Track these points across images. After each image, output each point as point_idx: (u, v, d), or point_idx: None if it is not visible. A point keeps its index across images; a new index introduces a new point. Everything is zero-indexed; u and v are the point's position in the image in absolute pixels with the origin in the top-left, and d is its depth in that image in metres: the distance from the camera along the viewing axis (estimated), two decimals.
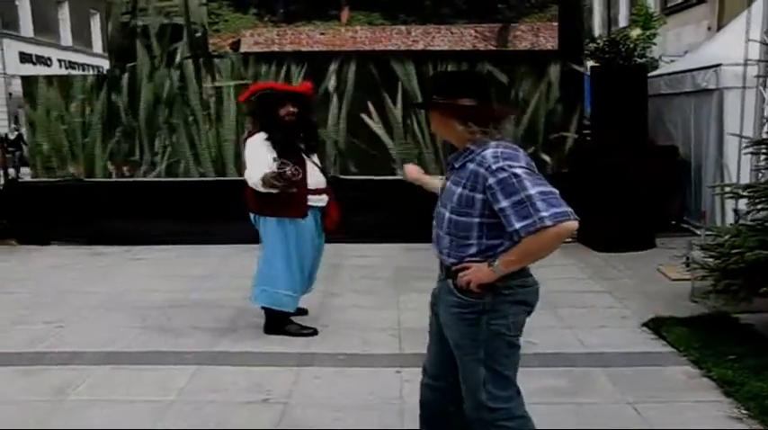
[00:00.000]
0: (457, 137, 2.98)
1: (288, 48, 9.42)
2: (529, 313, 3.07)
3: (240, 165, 9.29)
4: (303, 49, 9.40)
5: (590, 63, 10.40)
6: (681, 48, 17.23)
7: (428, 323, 3.29)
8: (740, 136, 6.01)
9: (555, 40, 9.46)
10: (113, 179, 9.42)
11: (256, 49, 9.41)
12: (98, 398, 4.50)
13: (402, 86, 9.55)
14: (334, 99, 9.52)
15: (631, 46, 10.59)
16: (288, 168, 5.21)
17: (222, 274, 7.60)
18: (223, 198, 8.89)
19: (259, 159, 5.29)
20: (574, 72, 9.56)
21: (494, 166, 2.79)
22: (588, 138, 9.62)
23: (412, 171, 3.70)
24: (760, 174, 7.23)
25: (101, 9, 27.92)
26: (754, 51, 8.06)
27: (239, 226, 8.47)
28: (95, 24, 30.81)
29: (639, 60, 10.21)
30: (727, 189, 5.44)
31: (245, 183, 5.40)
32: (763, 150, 5.29)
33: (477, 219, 2.87)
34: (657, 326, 5.70)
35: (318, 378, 4.82)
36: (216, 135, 9.48)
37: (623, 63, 9.65)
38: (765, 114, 7.45)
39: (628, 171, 8.63)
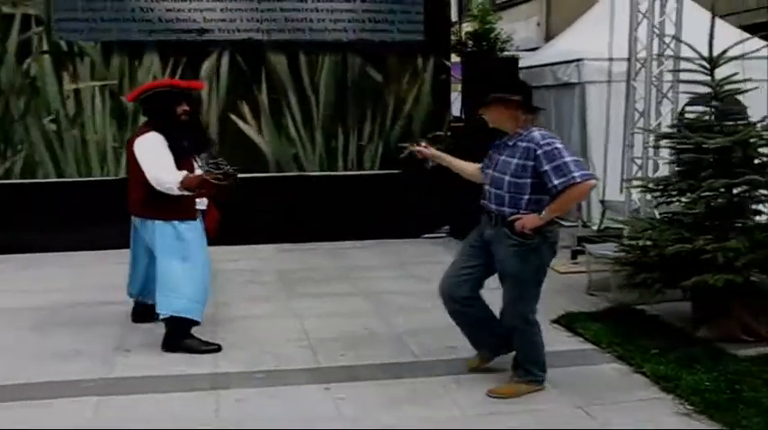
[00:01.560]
0: (513, 124, 4.12)
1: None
2: (555, 251, 4.29)
3: (107, 166, 8.51)
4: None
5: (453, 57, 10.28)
6: (513, 43, 17.71)
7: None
8: (649, 130, 6.05)
9: (420, 33, 9.26)
10: None
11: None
12: None
13: (274, 80, 8.97)
14: (205, 94, 8.78)
15: (493, 39, 10.66)
16: (227, 166, 4.88)
17: (89, 286, 6.79)
18: (65, 201, 8.14)
19: (164, 160, 4.91)
20: (441, 65, 9.42)
21: (541, 142, 3.99)
22: (449, 134, 9.50)
23: (422, 152, 4.66)
24: (636, 167, 7.44)
25: None
26: (618, 46, 8.31)
27: (96, 231, 7.89)
28: None
29: (504, 54, 10.26)
30: (638, 183, 5.46)
31: (121, 184, 5.07)
32: (671, 143, 5.34)
33: (528, 180, 4.02)
34: (569, 322, 5.66)
35: (242, 401, 4.34)
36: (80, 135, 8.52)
37: (486, 56, 9.64)
38: (639, 108, 7.68)
39: None
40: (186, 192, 4.92)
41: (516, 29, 19.26)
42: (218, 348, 5.17)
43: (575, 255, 7.55)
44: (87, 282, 6.95)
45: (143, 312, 5.64)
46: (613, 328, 5.40)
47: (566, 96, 9.81)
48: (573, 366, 4.90)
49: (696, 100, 8.01)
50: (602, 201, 8.46)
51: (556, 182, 3.92)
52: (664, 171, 7.62)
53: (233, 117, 8.85)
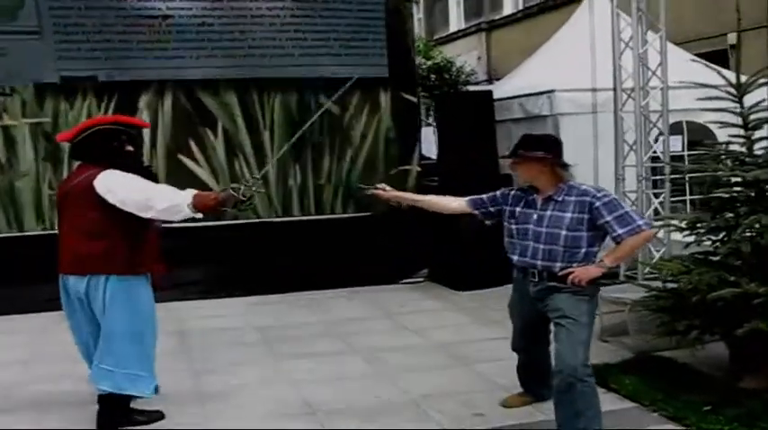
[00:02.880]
0: (548, 180, 4.10)
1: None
2: None
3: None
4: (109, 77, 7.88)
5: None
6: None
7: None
8: (676, 165, 5.55)
9: (384, 67, 8.79)
10: None
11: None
12: None
13: (223, 121, 8.35)
14: (147, 137, 8.09)
15: (456, 73, 10.27)
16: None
17: (47, 356, 5.98)
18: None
19: (154, 184, 4.41)
20: (407, 101, 8.96)
21: (598, 195, 4.02)
22: (419, 169, 9.04)
23: (381, 195, 4.66)
24: (629, 201, 7.06)
25: None
26: (602, 77, 7.99)
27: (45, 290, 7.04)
28: None
29: (469, 87, 9.88)
30: (675, 222, 5.03)
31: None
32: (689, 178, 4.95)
33: (585, 233, 4.01)
34: (597, 375, 5.14)
35: None
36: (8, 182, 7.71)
37: (450, 90, 9.22)
38: (629, 140, 7.34)
39: None
40: (198, 215, 4.26)
41: (457, 62, 19.13)
42: (161, 416, 4.64)
43: None
44: (46, 351, 6.13)
45: None
46: (649, 382, 4.93)
47: (537, 129, 9.40)
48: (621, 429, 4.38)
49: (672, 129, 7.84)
50: None
51: (620, 231, 3.91)
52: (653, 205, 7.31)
53: (182, 158, 8.19)
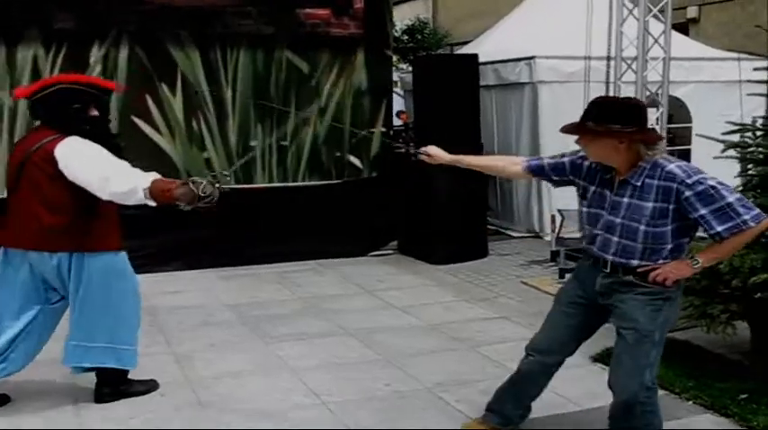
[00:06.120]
0: (625, 160, 3.23)
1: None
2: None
3: None
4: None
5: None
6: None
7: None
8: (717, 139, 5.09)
9: (360, 24, 8.24)
10: None
11: None
12: None
13: (183, 77, 7.69)
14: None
15: (429, 35, 9.78)
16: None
17: None
18: None
19: (117, 161, 3.89)
20: (381, 60, 8.44)
21: (688, 181, 3.14)
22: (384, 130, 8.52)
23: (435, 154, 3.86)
24: None
25: None
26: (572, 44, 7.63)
27: None
28: None
29: (442, 51, 9.41)
30: None
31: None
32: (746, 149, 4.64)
33: (670, 227, 3.21)
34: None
35: None
36: None
37: (425, 53, 8.73)
38: None
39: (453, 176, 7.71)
40: (151, 203, 3.82)
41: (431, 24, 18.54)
42: (156, 384, 4.47)
43: (563, 273, 6.79)
44: None
45: None
46: (673, 366, 4.62)
47: (513, 97, 9.09)
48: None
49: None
50: (560, 211, 7.76)
51: (719, 229, 3.11)
52: None
53: (135, 120, 7.48)
